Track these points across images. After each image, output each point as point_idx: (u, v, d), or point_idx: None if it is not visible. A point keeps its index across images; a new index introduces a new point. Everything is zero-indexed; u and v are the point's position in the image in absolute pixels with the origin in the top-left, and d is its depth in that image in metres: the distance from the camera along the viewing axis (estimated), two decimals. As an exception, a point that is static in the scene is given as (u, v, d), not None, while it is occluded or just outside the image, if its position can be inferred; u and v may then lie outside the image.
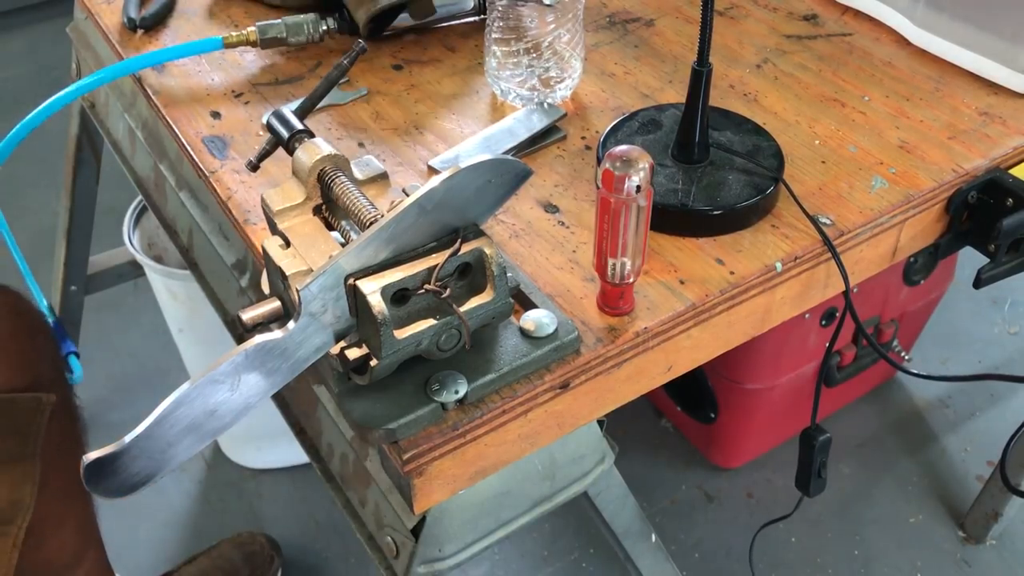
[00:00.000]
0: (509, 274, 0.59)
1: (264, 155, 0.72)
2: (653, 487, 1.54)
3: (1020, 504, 1.42)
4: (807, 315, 1.28)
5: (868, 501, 1.52)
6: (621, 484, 0.82)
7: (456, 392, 0.60)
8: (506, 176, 0.58)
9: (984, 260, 0.83)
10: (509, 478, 0.71)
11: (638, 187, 0.60)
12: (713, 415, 1.46)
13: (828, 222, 0.75)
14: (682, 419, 1.58)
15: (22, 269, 1.08)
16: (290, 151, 0.65)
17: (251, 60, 0.94)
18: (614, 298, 0.67)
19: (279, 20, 0.92)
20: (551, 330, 0.64)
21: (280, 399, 0.85)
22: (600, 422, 0.75)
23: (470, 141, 0.83)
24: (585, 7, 0.91)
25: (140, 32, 0.97)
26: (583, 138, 0.85)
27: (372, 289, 0.55)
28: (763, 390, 1.39)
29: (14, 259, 1.10)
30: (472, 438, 0.62)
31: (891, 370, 1.66)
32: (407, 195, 0.55)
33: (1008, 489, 0.97)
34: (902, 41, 0.96)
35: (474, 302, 0.58)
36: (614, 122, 0.82)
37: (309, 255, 0.59)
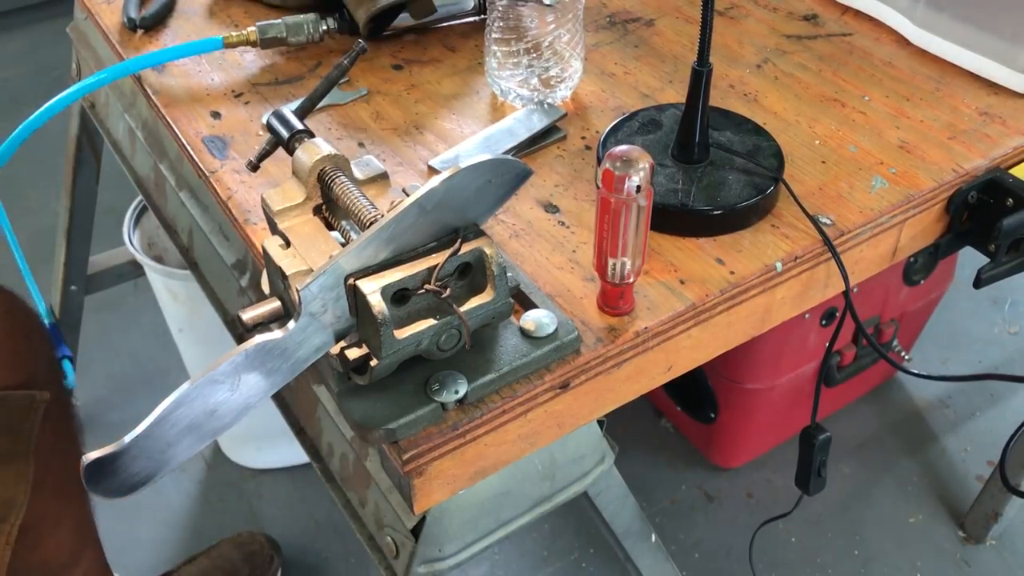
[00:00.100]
0: (509, 274, 0.59)
1: (264, 155, 0.72)
2: (653, 487, 1.54)
3: (1020, 504, 1.42)
4: (807, 315, 1.28)
5: (868, 501, 1.52)
6: (621, 484, 0.82)
7: (456, 392, 0.60)
8: (506, 176, 0.58)
9: (984, 260, 0.83)
10: (509, 478, 0.71)
11: (638, 187, 0.60)
12: (713, 415, 1.46)
13: (828, 222, 0.75)
14: (682, 419, 1.58)
15: (22, 269, 1.08)
16: (290, 151, 0.65)
17: (251, 60, 0.94)
18: (614, 298, 0.67)
19: (279, 20, 0.92)
20: (551, 330, 0.64)
21: (280, 399, 0.85)
22: (600, 422, 0.75)
23: (470, 141, 0.83)
24: (585, 7, 0.91)
25: (140, 32, 0.97)
26: (583, 138, 0.85)
27: (372, 289, 0.55)
28: (763, 390, 1.39)
29: (14, 259, 1.10)
30: (472, 438, 0.62)
31: (891, 370, 1.66)
32: (407, 195, 0.55)
33: (1008, 489, 0.97)
34: (902, 41, 0.96)
35: (474, 302, 0.58)
36: (614, 122, 0.82)
37: (309, 255, 0.59)
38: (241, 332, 0.65)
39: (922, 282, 1.42)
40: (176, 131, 0.86)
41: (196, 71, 0.93)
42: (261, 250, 0.62)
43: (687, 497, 1.53)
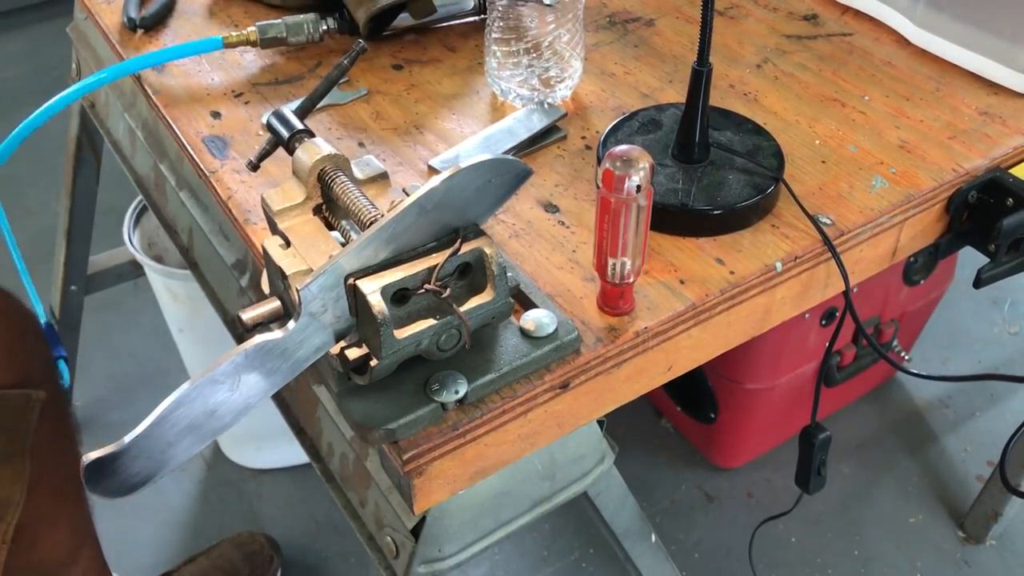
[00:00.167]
0: (509, 274, 0.59)
1: (264, 155, 0.72)
2: (653, 487, 1.54)
3: (1020, 504, 1.42)
4: (807, 315, 1.28)
5: (868, 501, 1.52)
6: (621, 484, 0.82)
7: (456, 392, 0.60)
8: (506, 176, 0.58)
9: (984, 260, 0.83)
10: (509, 478, 0.71)
11: (638, 187, 0.60)
12: (713, 415, 1.46)
13: (828, 222, 0.75)
14: (682, 419, 1.58)
15: (19, 268, 1.08)
16: (290, 151, 0.65)
17: (251, 60, 0.94)
18: (614, 298, 0.67)
19: (279, 20, 0.92)
20: (551, 330, 0.64)
21: (280, 399, 0.85)
22: (600, 422, 0.75)
23: (470, 141, 0.83)
24: (585, 7, 0.91)
25: (140, 32, 0.97)
26: (583, 138, 0.85)
27: (372, 289, 0.55)
28: (763, 390, 1.39)
29: (12, 259, 1.10)
30: (472, 438, 0.62)
31: (891, 370, 1.66)
32: (407, 195, 0.55)
33: (1008, 489, 0.97)
34: (902, 41, 0.96)
35: (474, 302, 0.58)
36: (614, 122, 0.82)
37: (309, 255, 0.59)
38: (241, 332, 0.65)
39: (922, 282, 1.42)
40: (176, 131, 0.86)
41: (196, 71, 0.93)
42: (261, 250, 0.62)
43: (687, 497, 1.53)
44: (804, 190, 0.78)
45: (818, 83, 0.90)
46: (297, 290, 0.54)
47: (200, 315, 1.36)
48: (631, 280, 0.65)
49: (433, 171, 0.81)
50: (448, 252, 0.57)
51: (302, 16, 0.93)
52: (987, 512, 1.43)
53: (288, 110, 0.68)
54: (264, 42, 0.92)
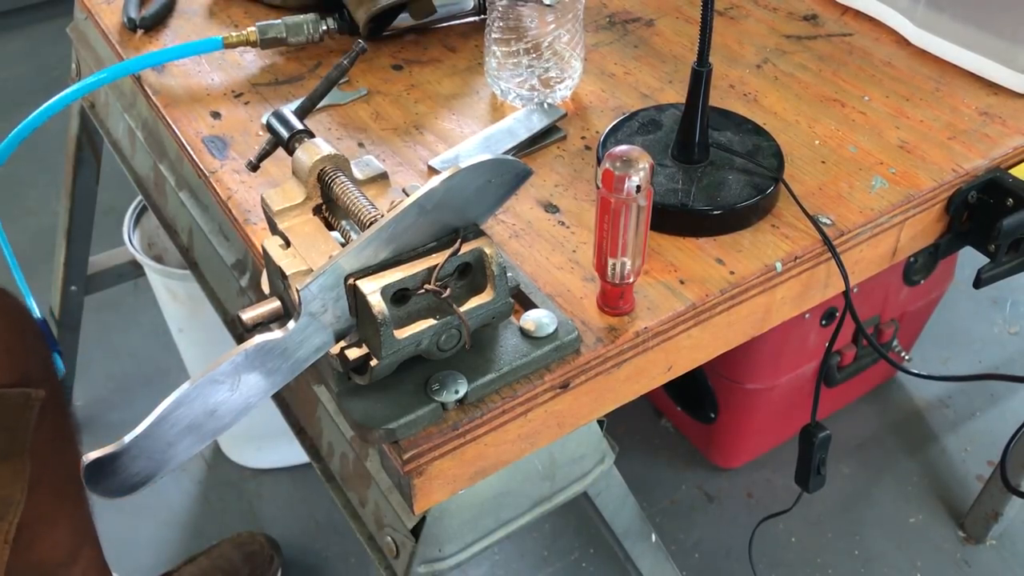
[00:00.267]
0: (509, 274, 0.59)
1: (264, 155, 0.72)
2: (653, 487, 1.54)
3: (1020, 504, 1.42)
4: (807, 315, 1.28)
5: (868, 501, 1.52)
6: (621, 484, 0.82)
7: (456, 392, 0.60)
8: (506, 176, 0.58)
9: (984, 260, 0.83)
10: (509, 478, 0.71)
11: (638, 187, 0.60)
12: (713, 415, 1.46)
13: (828, 222, 0.75)
14: (682, 419, 1.58)
15: (12, 267, 1.08)
16: (290, 151, 0.65)
17: (251, 60, 0.94)
18: (614, 298, 0.67)
19: (279, 20, 0.92)
20: (551, 330, 0.64)
21: (280, 399, 0.85)
22: (600, 422, 0.75)
23: (470, 141, 0.83)
24: (585, 7, 0.91)
25: (140, 32, 0.97)
26: (583, 138, 0.85)
27: (372, 289, 0.55)
28: (763, 390, 1.39)
29: (7, 258, 1.10)
30: (472, 438, 0.62)
31: (891, 370, 1.66)
32: (407, 195, 0.55)
33: (1008, 490, 0.97)
34: (902, 41, 0.96)
35: (474, 302, 0.58)
36: (614, 122, 0.82)
37: (309, 255, 0.59)
38: (241, 332, 0.65)
39: (922, 282, 1.42)
40: (176, 131, 0.86)
41: (196, 71, 0.93)
42: (261, 250, 0.62)
43: (687, 497, 1.53)
44: (804, 190, 0.78)
45: (818, 83, 0.90)
46: (297, 290, 0.54)
47: (200, 315, 1.36)
48: (631, 280, 0.65)
49: (433, 171, 0.81)
50: (448, 252, 0.57)
51: (302, 16, 0.93)
52: (987, 512, 1.43)
53: (288, 110, 0.68)
54: (264, 42, 0.92)
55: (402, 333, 0.56)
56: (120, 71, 0.88)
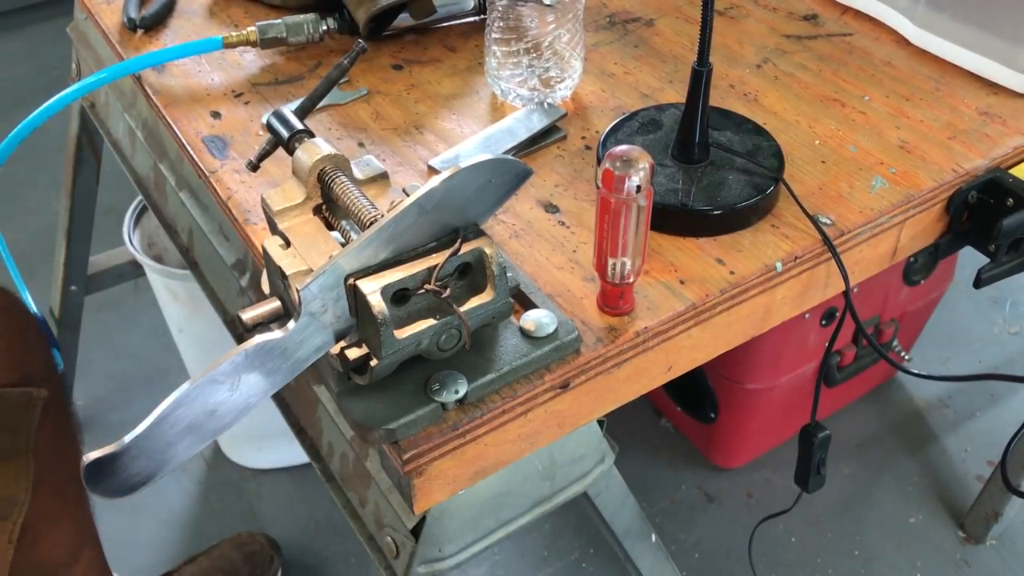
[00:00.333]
0: (509, 274, 0.59)
1: (264, 155, 0.72)
2: (653, 487, 1.54)
3: (1020, 504, 1.42)
4: (807, 315, 1.28)
5: (868, 501, 1.52)
6: (621, 484, 0.82)
7: (456, 392, 0.60)
8: (506, 176, 0.58)
9: (984, 260, 0.83)
10: (509, 478, 0.71)
11: (638, 187, 0.60)
12: (713, 415, 1.46)
13: (828, 222, 0.75)
14: (682, 419, 1.58)
15: (9, 267, 1.08)
16: (290, 151, 0.65)
17: (251, 60, 0.94)
18: (614, 298, 0.67)
19: (279, 20, 0.92)
20: (551, 330, 0.64)
21: (280, 399, 0.85)
22: (600, 422, 0.75)
23: (470, 141, 0.83)
24: (585, 7, 0.91)
25: (140, 32, 0.97)
26: (583, 138, 0.85)
27: (372, 289, 0.55)
28: (763, 390, 1.39)
29: (4, 260, 1.10)
30: (472, 438, 0.62)
31: (891, 370, 1.66)
32: (407, 195, 0.55)
33: (1009, 490, 0.97)
34: (902, 41, 0.96)
35: (474, 302, 0.58)
36: (614, 122, 0.82)
37: (309, 255, 0.59)
38: (241, 332, 0.65)
39: (922, 282, 1.42)
40: (176, 131, 0.86)
41: (196, 71, 0.93)
42: (261, 250, 0.62)
43: (687, 497, 1.53)
44: (804, 190, 0.78)
45: (818, 83, 0.90)
46: (297, 290, 0.54)
47: (200, 315, 1.36)
48: (631, 280, 0.65)
49: (433, 171, 0.81)
50: (448, 252, 0.57)
51: (302, 16, 0.93)
52: (987, 512, 1.43)
53: (288, 110, 0.68)
54: (264, 42, 0.92)
55: (402, 333, 0.56)
56: (120, 71, 0.88)
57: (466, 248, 0.57)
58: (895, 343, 1.49)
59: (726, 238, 0.74)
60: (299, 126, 0.66)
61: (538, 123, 0.84)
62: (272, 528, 1.48)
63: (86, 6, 1.03)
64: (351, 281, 0.55)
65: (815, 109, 0.87)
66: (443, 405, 0.60)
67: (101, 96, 1.16)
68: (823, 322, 1.32)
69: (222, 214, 0.82)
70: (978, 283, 0.83)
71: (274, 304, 0.59)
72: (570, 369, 0.64)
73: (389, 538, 0.72)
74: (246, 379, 0.55)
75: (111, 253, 1.58)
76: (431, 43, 0.97)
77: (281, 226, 0.61)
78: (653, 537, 0.90)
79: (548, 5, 0.83)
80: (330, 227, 0.63)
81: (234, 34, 0.91)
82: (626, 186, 0.60)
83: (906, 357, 1.54)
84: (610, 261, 0.64)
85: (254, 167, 0.73)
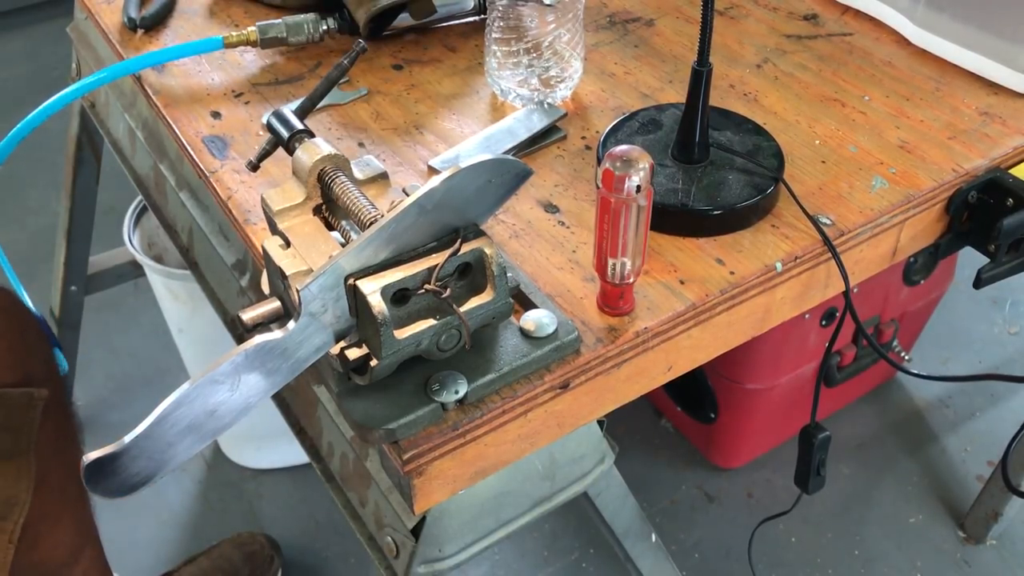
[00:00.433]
0: (509, 274, 0.59)
1: (264, 155, 0.72)
2: (653, 487, 1.54)
3: (1020, 504, 1.42)
4: (807, 315, 1.28)
5: (868, 501, 1.52)
6: (621, 484, 0.82)
7: (456, 392, 0.60)
8: (506, 176, 0.58)
9: (984, 260, 0.83)
10: (509, 478, 0.71)
11: (638, 187, 0.60)
12: (713, 415, 1.46)
13: (828, 222, 0.75)
14: (682, 419, 1.58)
15: (5, 268, 1.08)
16: (290, 151, 0.65)
17: (251, 60, 0.94)
18: (614, 298, 0.67)
19: (279, 20, 0.92)
20: (551, 330, 0.64)
21: (280, 399, 0.85)
22: (600, 422, 0.75)
23: (470, 141, 0.83)
24: (585, 7, 0.91)
25: (140, 32, 0.97)
26: (583, 138, 0.85)
27: (372, 289, 0.55)
28: (763, 390, 1.39)
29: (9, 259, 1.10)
30: (472, 438, 0.62)
31: (891, 370, 1.66)
32: (407, 195, 0.55)
33: (1010, 490, 0.97)
34: (902, 41, 0.96)
35: (474, 302, 0.58)
36: (614, 122, 0.82)
37: (309, 255, 0.59)
38: (241, 332, 0.65)
39: (922, 282, 1.42)
40: (176, 131, 0.86)
41: (196, 71, 0.93)
42: (261, 250, 0.62)
43: (687, 497, 1.53)
44: (804, 190, 0.78)
45: (818, 83, 0.90)
46: (297, 290, 0.54)
47: (200, 315, 1.36)
48: (631, 280, 0.65)
49: (433, 171, 0.81)
50: (448, 252, 0.57)
51: (302, 16, 0.93)
52: (987, 512, 1.43)
53: (288, 110, 0.68)
54: (264, 42, 0.92)
55: (402, 333, 0.56)
56: (120, 71, 0.88)
57: (466, 248, 0.57)
58: (895, 343, 1.49)
59: (726, 238, 0.74)
60: (299, 126, 0.66)
61: (538, 123, 0.84)
62: (272, 528, 1.48)
63: (86, 6, 1.03)
64: (351, 281, 0.55)
65: (815, 109, 0.87)
66: (443, 405, 0.60)
67: (101, 96, 1.16)
68: (823, 322, 1.32)
69: (222, 214, 0.82)
70: (978, 283, 0.83)
71: (274, 304, 0.59)
72: (570, 369, 0.64)
73: (389, 538, 0.72)
74: (246, 379, 0.55)
75: (111, 253, 1.58)
76: (431, 43, 0.97)
77: (281, 226, 0.61)
78: (653, 537, 0.90)
79: (548, 5, 0.83)
80: (330, 227, 0.63)
81: (234, 34, 0.91)
82: (626, 186, 0.60)
83: (906, 357, 1.54)
84: (610, 261, 0.64)
85: (254, 167, 0.73)
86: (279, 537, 1.44)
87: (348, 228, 0.62)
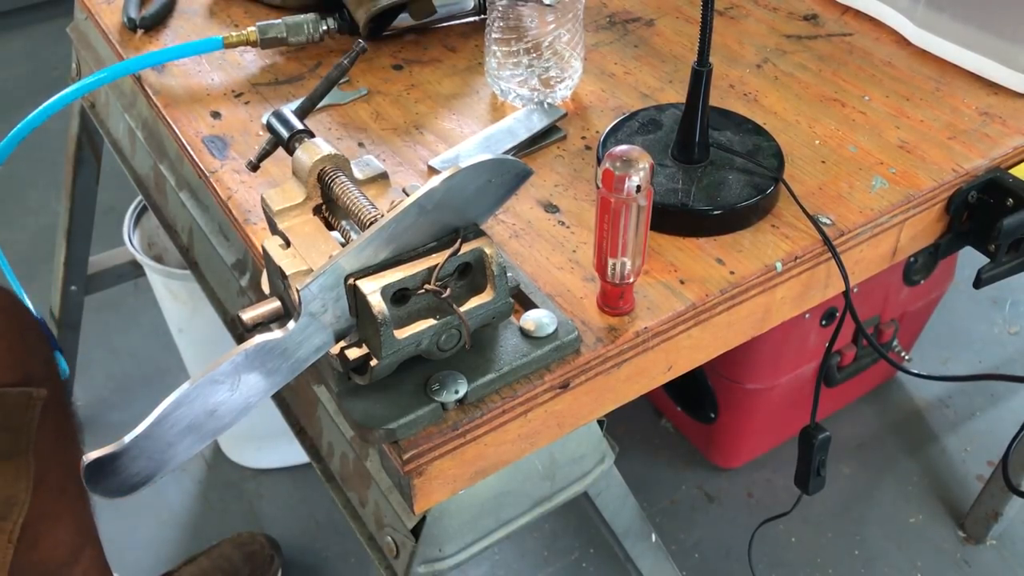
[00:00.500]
0: (509, 274, 0.59)
1: (264, 155, 0.72)
2: (653, 487, 1.54)
3: (1020, 504, 1.42)
4: (807, 315, 1.28)
5: (868, 501, 1.52)
6: (621, 484, 0.82)
7: (456, 392, 0.60)
8: (506, 176, 0.58)
9: (984, 260, 0.83)
10: (509, 478, 0.71)
11: (638, 187, 0.60)
12: (713, 415, 1.46)
13: (828, 222, 0.75)
14: (682, 419, 1.58)
15: (5, 268, 1.08)
16: (290, 151, 0.65)
17: (251, 60, 0.94)
18: (614, 298, 0.67)
19: (279, 20, 0.92)
20: (551, 330, 0.64)
21: (280, 399, 0.85)
22: (600, 422, 0.75)
23: (470, 141, 0.83)
24: (585, 7, 0.91)
25: (140, 32, 0.97)
26: (583, 138, 0.85)
27: (372, 289, 0.55)
28: (763, 390, 1.39)
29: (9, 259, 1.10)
30: (472, 438, 0.62)
31: (891, 370, 1.66)
32: (407, 195, 0.55)
33: (1010, 490, 0.98)
34: (902, 41, 0.96)
35: (474, 302, 0.58)
36: (614, 122, 0.82)
37: (309, 255, 0.59)
38: (241, 332, 0.65)
39: (922, 282, 1.42)
40: (176, 131, 0.86)
41: (196, 71, 0.93)
42: (261, 250, 0.62)
43: (687, 497, 1.53)
44: (804, 190, 0.78)
45: (818, 83, 0.90)
46: (297, 290, 0.54)
47: (200, 315, 1.36)
48: (631, 280, 0.65)
49: (433, 171, 0.81)
50: (448, 252, 0.57)
51: (302, 16, 0.93)
52: (987, 512, 1.43)
53: (288, 110, 0.68)
54: (264, 42, 0.92)
55: (402, 333, 0.56)
56: (120, 71, 0.88)
57: (466, 248, 0.57)
58: (895, 343, 1.49)
59: (726, 238, 0.74)
60: (299, 126, 0.66)
61: (538, 123, 0.84)
62: (272, 528, 1.48)
63: (86, 6, 1.03)
64: (351, 281, 0.55)
65: (815, 109, 0.87)
66: (443, 405, 0.60)
67: (101, 96, 1.16)
68: (823, 322, 1.32)
69: (222, 214, 0.82)
70: (978, 283, 0.83)
71: (274, 304, 0.59)
72: (570, 369, 0.64)
73: (389, 538, 0.72)
74: (246, 379, 0.55)
75: (111, 253, 1.58)
76: (431, 43, 0.97)
77: (281, 226, 0.62)
78: (653, 537, 0.90)
79: (548, 5, 0.83)
80: (330, 227, 0.63)
81: (234, 34, 0.91)
82: (626, 186, 0.60)
83: (906, 357, 1.54)
84: (610, 261, 0.64)
85: (254, 167, 0.73)
86: (279, 537, 1.44)
87: (348, 228, 0.62)
